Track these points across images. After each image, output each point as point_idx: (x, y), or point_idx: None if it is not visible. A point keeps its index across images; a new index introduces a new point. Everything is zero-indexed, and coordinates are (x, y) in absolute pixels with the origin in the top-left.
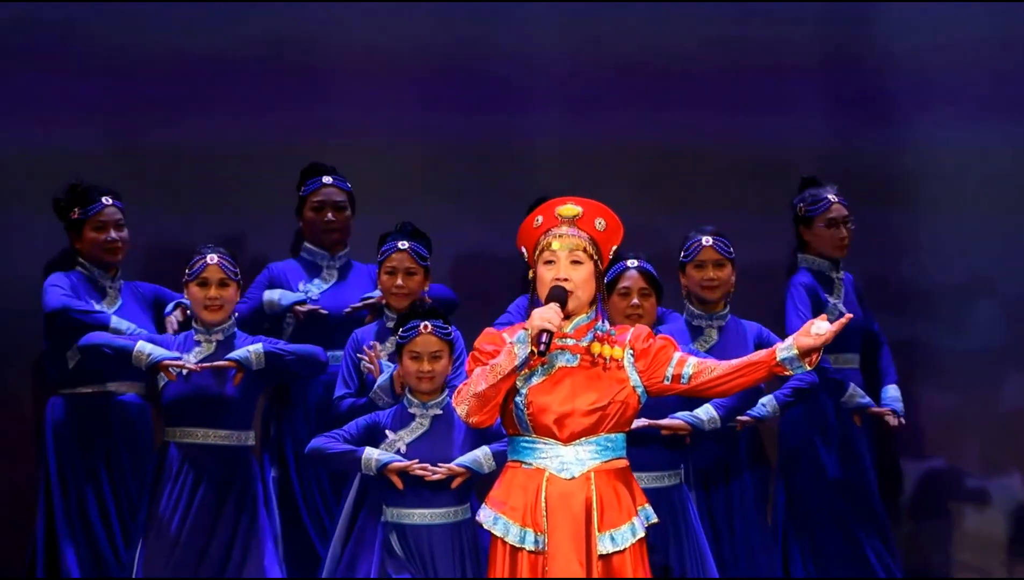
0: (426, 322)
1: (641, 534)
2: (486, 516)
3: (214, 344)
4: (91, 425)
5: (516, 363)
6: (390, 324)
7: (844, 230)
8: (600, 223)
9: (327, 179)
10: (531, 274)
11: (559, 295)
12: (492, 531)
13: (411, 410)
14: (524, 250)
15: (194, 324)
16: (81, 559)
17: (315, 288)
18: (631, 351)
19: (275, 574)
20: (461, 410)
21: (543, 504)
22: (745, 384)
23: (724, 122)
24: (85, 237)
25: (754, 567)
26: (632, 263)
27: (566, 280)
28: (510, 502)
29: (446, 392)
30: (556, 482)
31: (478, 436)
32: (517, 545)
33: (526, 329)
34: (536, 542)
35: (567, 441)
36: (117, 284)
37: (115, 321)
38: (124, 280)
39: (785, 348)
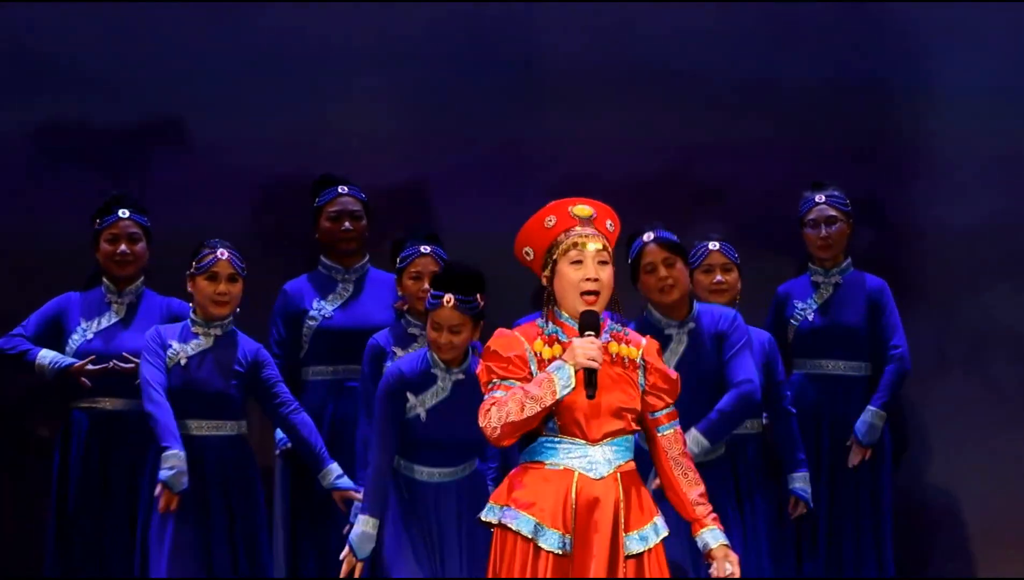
0: (449, 295)
1: (665, 533)
2: (511, 517)
3: (212, 338)
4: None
5: (557, 398)
6: (412, 330)
7: (824, 231)
8: (610, 224)
9: (343, 188)
10: (547, 275)
11: (592, 322)
12: (520, 532)
13: (434, 370)
14: (530, 251)
15: (193, 316)
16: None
17: (328, 305)
18: (643, 361)
19: (269, 564)
20: (491, 432)
21: (572, 505)
22: (669, 496)
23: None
24: (99, 248)
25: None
26: (648, 237)
27: (596, 280)
28: (539, 503)
29: (470, 358)
30: (586, 482)
31: None
32: (548, 548)
33: (566, 362)
34: (563, 544)
35: (595, 440)
36: (126, 298)
37: (41, 354)
38: (148, 289)
39: (708, 537)
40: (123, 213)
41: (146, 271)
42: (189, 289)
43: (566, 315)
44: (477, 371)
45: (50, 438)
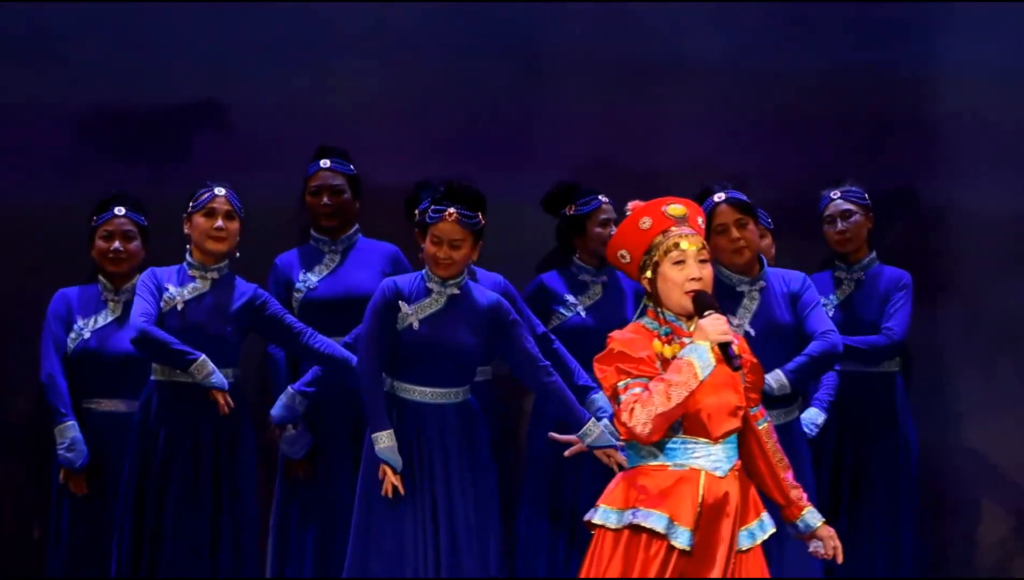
0: (452, 209)
1: (771, 530)
2: (642, 516)
3: (209, 282)
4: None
5: (700, 379)
6: (431, 284)
7: (841, 225)
8: (700, 221)
9: (324, 162)
10: (647, 275)
11: (710, 301)
12: (653, 529)
13: (429, 285)
14: (626, 254)
15: (189, 259)
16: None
17: (314, 276)
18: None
19: (253, 512)
20: (642, 429)
21: (699, 503)
22: (763, 483)
23: None
24: (94, 245)
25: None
26: (719, 197)
27: (699, 279)
28: (670, 502)
29: (465, 273)
30: (712, 480)
31: (488, 324)
32: (679, 545)
33: (699, 342)
34: (691, 541)
35: (717, 439)
36: (122, 296)
37: (63, 429)
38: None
39: (810, 518)
40: (119, 210)
41: (141, 270)
42: (186, 230)
43: (672, 315)
44: (600, 375)
45: (49, 439)
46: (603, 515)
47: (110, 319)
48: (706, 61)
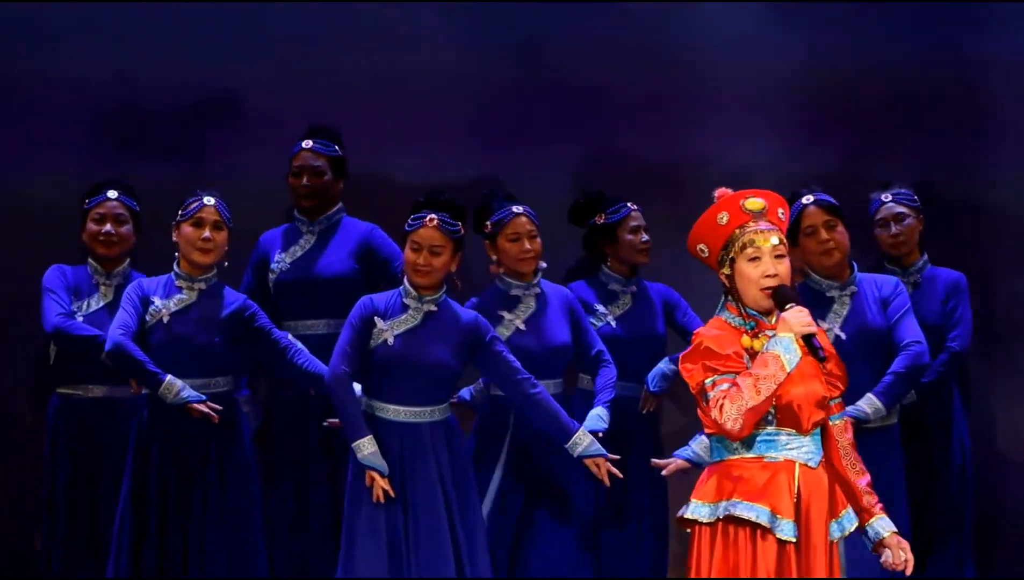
0: (433, 214)
1: (856, 522)
2: (744, 508)
3: (196, 293)
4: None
5: (788, 371)
6: (515, 292)
7: (895, 228)
8: (781, 213)
9: (307, 143)
10: (725, 272)
11: (790, 295)
12: (756, 521)
13: (406, 300)
14: (704, 248)
15: (176, 269)
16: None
17: (288, 258)
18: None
19: (252, 515)
20: (732, 424)
21: (796, 494)
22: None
23: None
24: (85, 227)
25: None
26: (807, 200)
27: (775, 275)
28: (769, 494)
29: (444, 289)
30: (806, 472)
31: (467, 342)
32: (784, 537)
33: (783, 335)
34: (795, 532)
35: (807, 431)
36: (113, 280)
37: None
38: (134, 271)
39: (879, 526)
40: (111, 194)
41: (132, 255)
42: (175, 238)
43: (752, 309)
44: (686, 373)
45: (38, 426)
46: (695, 509)
47: (102, 304)
48: (727, 55)
